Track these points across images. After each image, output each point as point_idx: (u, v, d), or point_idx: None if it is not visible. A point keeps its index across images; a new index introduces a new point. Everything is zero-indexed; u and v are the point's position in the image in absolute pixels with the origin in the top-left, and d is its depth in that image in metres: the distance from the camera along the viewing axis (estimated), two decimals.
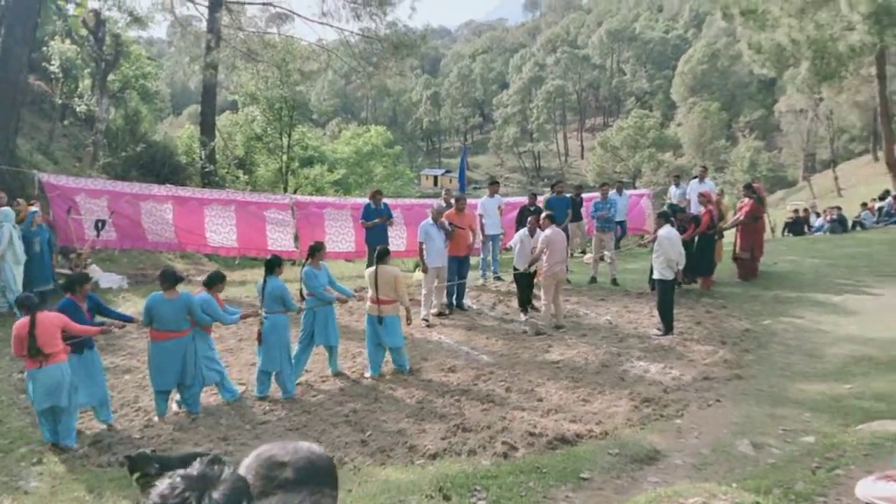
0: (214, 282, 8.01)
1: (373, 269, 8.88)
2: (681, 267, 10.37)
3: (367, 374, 8.83)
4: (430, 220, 11.41)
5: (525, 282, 11.48)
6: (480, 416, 7.46)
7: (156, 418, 7.60)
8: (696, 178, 16.40)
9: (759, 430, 6.76)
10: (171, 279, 7.62)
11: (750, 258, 13.44)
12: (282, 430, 7.29)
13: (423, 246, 11.26)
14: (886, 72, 25.19)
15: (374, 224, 12.43)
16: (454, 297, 12.07)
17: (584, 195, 15.85)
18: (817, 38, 22.85)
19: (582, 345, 9.88)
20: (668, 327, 10.26)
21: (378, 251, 9.04)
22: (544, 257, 10.59)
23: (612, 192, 15.18)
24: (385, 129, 47.86)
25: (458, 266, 11.95)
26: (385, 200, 15.42)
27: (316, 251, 8.82)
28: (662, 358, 9.24)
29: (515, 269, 11.51)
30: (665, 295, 10.30)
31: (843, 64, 24.04)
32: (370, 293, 8.87)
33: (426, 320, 11.17)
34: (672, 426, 6.98)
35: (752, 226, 13.36)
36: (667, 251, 10.10)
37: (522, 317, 11.38)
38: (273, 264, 8.30)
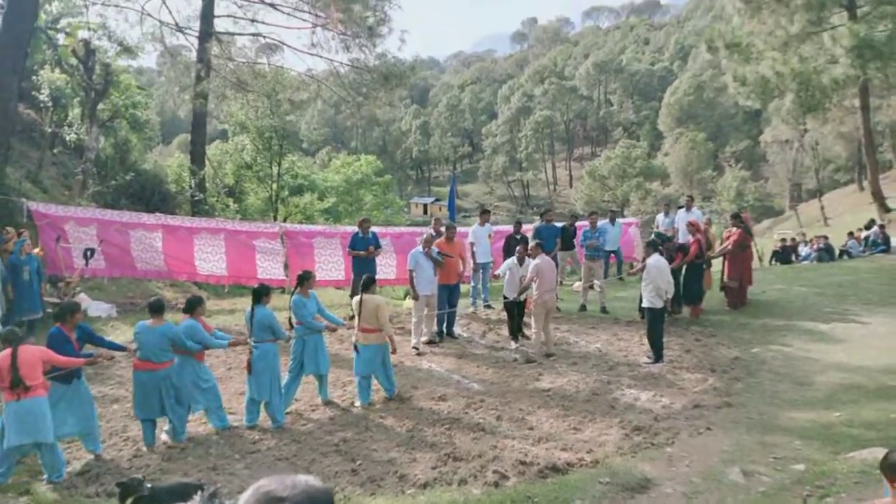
0: (194, 306, 7.96)
1: (358, 297, 8.90)
2: (670, 296, 10.45)
3: (357, 403, 8.79)
4: (419, 248, 11.45)
5: (515, 310, 11.54)
6: (471, 444, 7.43)
7: (144, 448, 7.53)
8: (682, 207, 16.45)
9: (749, 458, 6.76)
10: (152, 308, 7.66)
11: (738, 287, 13.52)
12: (271, 459, 7.24)
13: (413, 274, 11.29)
14: (870, 103, 25.55)
15: (361, 254, 12.37)
16: (444, 325, 12.07)
17: (577, 223, 15.95)
18: (801, 70, 23.21)
19: (572, 373, 9.88)
20: (657, 355, 10.28)
21: (364, 280, 9.07)
22: (534, 286, 10.63)
23: (603, 222, 15.29)
24: (375, 157, 47.97)
25: (449, 294, 11.96)
26: (374, 229, 15.43)
27: (304, 280, 8.82)
28: (653, 386, 9.25)
29: (505, 297, 11.57)
30: (655, 323, 10.34)
31: (827, 96, 24.41)
32: (357, 322, 8.87)
33: (416, 348, 11.17)
34: (663, 454, 6.98)
35: (739, 255, 13.46)
36: (655, 280, 10.17)
37: (513, 345, 11.42)
38: (260, 293, 8.29)
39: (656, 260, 10.34)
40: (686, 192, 65.25)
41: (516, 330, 11.60)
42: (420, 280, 11.28)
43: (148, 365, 7.44)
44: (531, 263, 10.77)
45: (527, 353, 10.83)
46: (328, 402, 8.89)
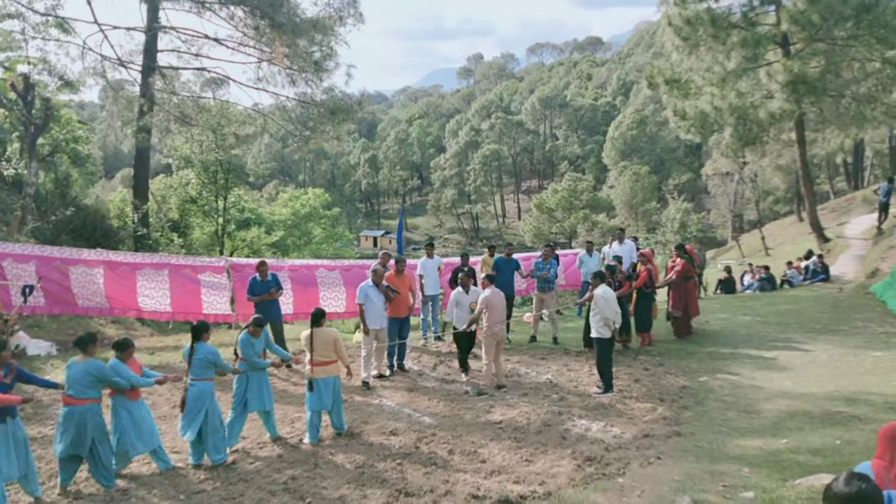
0: (121, 347, 7.67)
1: (308, 332, 8.78)
2: (617, 325, 10.51)
3: (306, 440, 8.62)
4: (369, 281, 11.37)
5: (465, 342, 11.53)
6: (423, 479, 7.32)
7: (88, 489, 7.24)
8: (615, 240, 16.39)
9: (699, 486, 6.79)
10: (78, 343, 7.50)
11: (683, 316, 13.73)
12: (217, 499, 7.03)
13: (363, 307, 11.19)
14: (805, 137, 26.36)
15: (264, 297, 12.04)
16: (395, 357, 11.97)
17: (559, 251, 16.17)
18: (739, 105, 23.87)
19: (524, 404, 9.85)
20: (607, 385, 10.34)
21: (313, 314, 8.94)
22: (484, 317, 10.61)
23: (581, 252, 15.71)
24: (323, 191, 47.80)
25: (399, 327, 11.90)
26: (324, 261, 15.33)
27: (257, 325, 8.68)
28: (603, 416, 9.27)
29: (455, 328, 11.62)
30: (603, 353, 10.39)
31: (764, 130, 25.12)
32: (308, 356, 8.74)
33: (366, 383, 11.04)
34: (615, 485, 6.97)
35: (683, 285, 13.68)
36: (603, 310, 10.24)
37: (463, 377, 11.39)
38: (200, 330, 8.09)
39: (603, 290, 10.41)
40: (632, 223, 66.59)
41: (465, 361, 11.59)
42: (370, 314, 11.19)
43: (69, 400, 7.21)
44: (480, 295, 10.77)
45: (478, 385, 10.78)
46: (277, 439, 8.70)
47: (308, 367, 8.69)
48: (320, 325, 8.80)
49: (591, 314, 10.59)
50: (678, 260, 13.91)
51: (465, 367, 11.60)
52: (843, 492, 2.93)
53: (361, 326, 11.48)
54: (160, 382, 8.01)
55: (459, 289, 11.73)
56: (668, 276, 13.93)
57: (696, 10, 23.42)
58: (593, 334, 10.53)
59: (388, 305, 11.54)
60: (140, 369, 7.81)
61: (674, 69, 26.49)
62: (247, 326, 8.75)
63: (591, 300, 10.65)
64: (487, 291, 10.69)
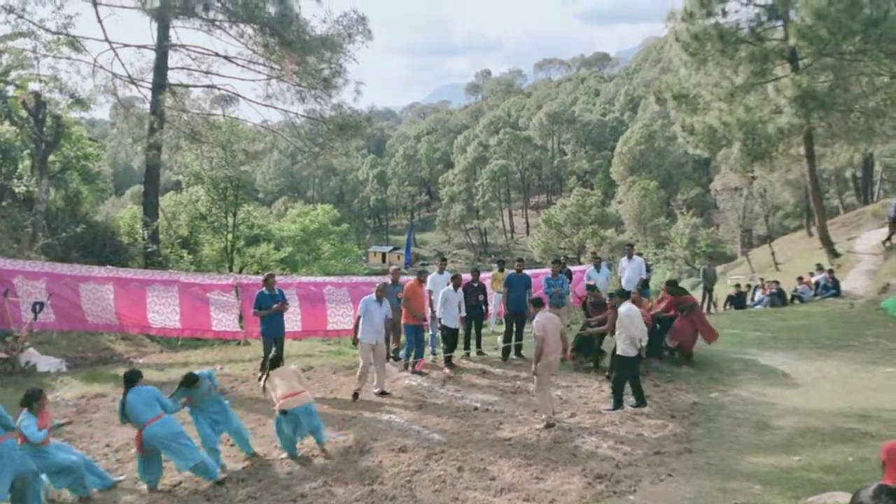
0: (30, 401, 7.33)
1: (266, 376, 9.11)
2: (643, 343, 10.27)
3: (284, 456, 8.65)
4: (373, 296, 11.43)
5: (451, 340, 12.46)
6: (432, 497, 7.29)
7: None
8: (624, 256, 16.28)
9: None
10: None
11: (679, 347, 12.99)
12: None
13: (361, 319, 11.28)
14: (815, 151, 26.31)
15: (272, 310, 11.97)
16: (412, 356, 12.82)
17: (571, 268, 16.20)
18: (747, 120, 23.89)
19: (534, 421, 9.80)
20: (617, 402, 10.25)
21: (271, 360, 9.25)
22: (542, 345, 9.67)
23: (590, 268, 15.67)
24: (332, 207, 47.86)
25: (416, 331, 12.66)
26: (332, 279, 15.36)
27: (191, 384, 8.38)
28: (614, 433, 9.22)
29: (445, 326, 12.71)
30: (622, 371, 10.22)
31: (772, 145, 25.12)
32: (279, 392, 8.60)
33: (356, 394, 11.16)
34: (626, 503, 6.92)
35: (682, 321, 12.90)
36: (628, 328, 10.03)
37: (448, 371, 12.31)
38: (133, 378, 7.87)
39: (628, 308, 10.21)
40: (641, 238, 66.42)
41: (449, 358, 12.69)
42: (366, 327, 11.24)
43: None
44: (536, 321, 9.84)
45: (548, 419, 9.77)
46: (253, 456, 8.68)
47: (279, 403, 8.57)
48: (278, 367, 9.03)
49: (616, 333, 10.38)
50: (667, 294, 13.31)
51: (449, 363, 12.71)
52: None
53: (353, 337, 11.55)
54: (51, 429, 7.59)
55: (449, 287, 12.62)
56: (656, 310, 13.21)
57: (704, 25, 23.46)
58: (618, 352, 10.33)
59: (403, 314, 12.35)
60: (47, 422, 7.44)
61: (682, 84, 26.54)
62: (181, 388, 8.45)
63: (613, 325, 10.54)
64: (541, 317, 9.79)
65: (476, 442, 9.07)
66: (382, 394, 11.41)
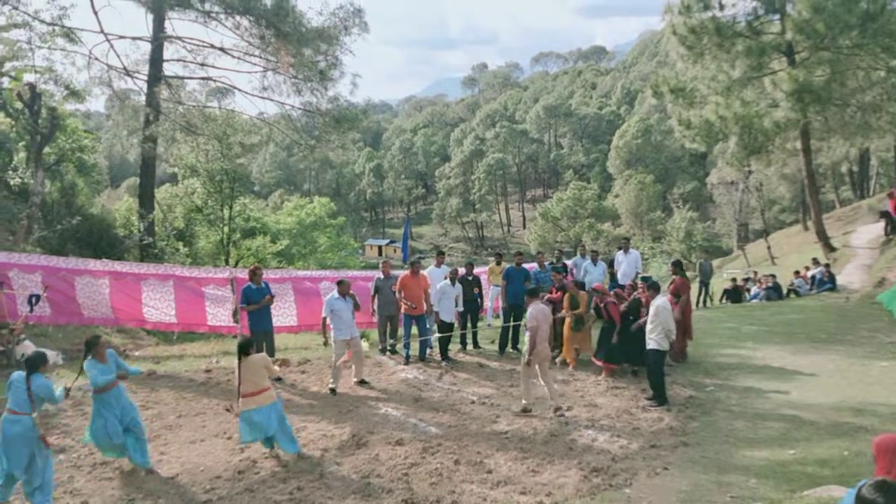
0: (90, 348, 7.59)
1: (236, 364, 8.22)
2: (673, 338, 10.26)
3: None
4: (335, 294, 11.43)
5: (447, 330, 12.70)
6: (429, 490, 7.29)
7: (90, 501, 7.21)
8: (620, 249, 16.26)
9: (706, 497, 6.76)
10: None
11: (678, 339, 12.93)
12: None
13: (329, 320, 11.26)
14: (811, 146, 26.30)
15: (259, 306, 11.96)
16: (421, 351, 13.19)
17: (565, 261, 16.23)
18: (744, 114, 23.86)
19: (529, 414, 9.82)
20: (661, 398, 10.09)
21: (240, 344, 8.24)
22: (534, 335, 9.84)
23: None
24: (328, 200, 47.79)
25: (418, 321, 12.97)
26: (327, 273, 15.37)
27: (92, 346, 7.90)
28: (609, 426, 9.24)
29: (442, 320, 12.93)
30: (658, 365, 10.13)
31: (769, 139, 25.08)
32: (243, 388, 8.08)
33: (333, 390, 11.17)
34: (622, 496, 6.94)
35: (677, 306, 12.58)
36: (666, 322, 9.97)
37: (443, 363, 12.66)
38: (37, 362, 7.51)
39: (663, 302, 10.17)
40: (637, 232, 66.48)
41: (445, 351, 13.00)
42: (338, 326, 11.25)
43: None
44: (528, 313, 10.00)
45: (561, 411, 9.88)
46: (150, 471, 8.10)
47: (239, 401, 8.15)
48: (248, 355, 8.14)
49: (648, 326, 10.20)
50: (675, 277, 12.98)
51: (444, 354, 13.01)
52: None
53: (323, 338, 11.57)
54: None
55: (447, 281, 12.88)
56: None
57: (701, 19, 23.43)
58: (651, 346, 10.12)
59: (402, 307, 12.72)
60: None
61: (678, 78, 26.51)
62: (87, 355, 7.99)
63: (644, 322, 10.51)
64: (534, 309, 9.92)
65: (472, 435, 9.07)
66: (362, 382, 11.56)
